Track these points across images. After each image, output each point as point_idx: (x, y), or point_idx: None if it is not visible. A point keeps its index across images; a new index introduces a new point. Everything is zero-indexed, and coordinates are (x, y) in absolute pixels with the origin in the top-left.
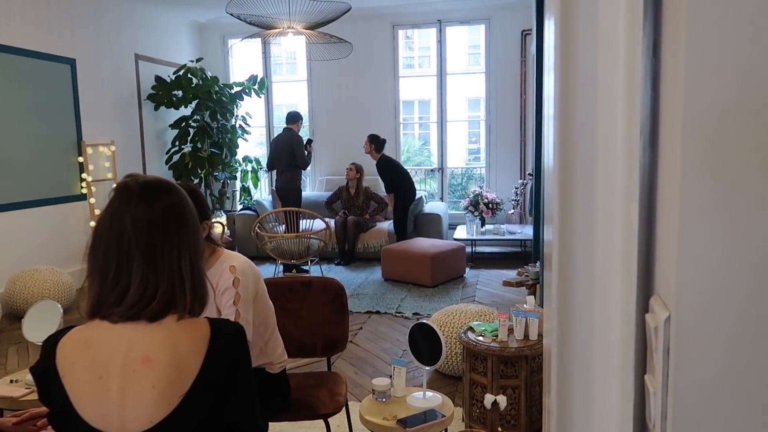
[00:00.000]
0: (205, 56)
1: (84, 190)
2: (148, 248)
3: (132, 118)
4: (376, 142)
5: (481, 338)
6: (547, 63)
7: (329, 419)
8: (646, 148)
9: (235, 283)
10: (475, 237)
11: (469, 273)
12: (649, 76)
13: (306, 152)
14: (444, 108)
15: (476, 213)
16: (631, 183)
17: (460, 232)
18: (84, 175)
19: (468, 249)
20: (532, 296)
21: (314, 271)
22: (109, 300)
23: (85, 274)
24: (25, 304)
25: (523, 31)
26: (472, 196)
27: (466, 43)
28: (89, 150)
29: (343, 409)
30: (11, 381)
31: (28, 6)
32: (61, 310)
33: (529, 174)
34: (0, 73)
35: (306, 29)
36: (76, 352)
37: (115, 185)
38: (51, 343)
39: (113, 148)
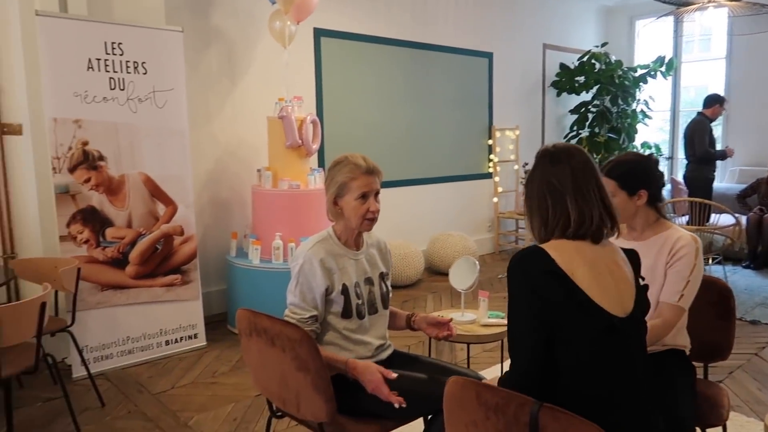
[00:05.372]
0: (609, 40)
1: (490, 170)
2: (575, 190)
3: (535, 104)
4: None
5: None
6: None
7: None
8: None
9: (697, 254)
10: None
11: None
12: None
13: (709, 141)
14: None
15: None
16: None
17: None
18: (491, 156)
19: None
20: None
21: (715, 271)
22: (556, 229)
23: (526, 215)
24: (441, 262)
25: None
26: None
27: None
28: (497, 134)
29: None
30: (439, 316)
31: (460, 11)
32: (478, 265)
33: None
34: (435, 68)
35: (731, 1)
36: (574, 258)
37: (538, 152)
38: (539, 255)
39: (517, 132)
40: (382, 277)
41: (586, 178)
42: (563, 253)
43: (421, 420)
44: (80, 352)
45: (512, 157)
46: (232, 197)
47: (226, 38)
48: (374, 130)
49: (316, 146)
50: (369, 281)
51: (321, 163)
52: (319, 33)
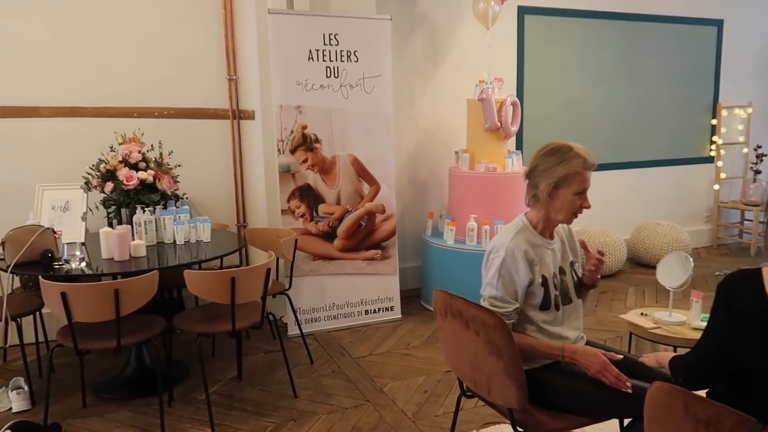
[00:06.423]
0: None
1: (712, 153)
2: None
3: None
4: None
5: None
6: None
7: None
8: None
9: None
10: None
11: None
12: None
13: None
14: None
15: None
16: None
17: None
18: (715, 138)
19: None
20: None
21: None
22: None
23: None
24: (646, 253)
25: None
26: None
27: None
28: (724, 112)
29: None
30: (642, 314)
31: None
32: (692, 262)
33: None
34: (649, 41)
35: None
36: None
37: None
38: (749, 284)
39: (749, 110)
40: (572, 265)
41: None
42: None
43: (613, 421)
44: (295, 313)
45: (741, 138)
46: (429, 178)
47: (431, 23)
48: (578, 111)
49: (515, 129)
50: (561, 271)
51: (519, 145)
52: (523, 11)
